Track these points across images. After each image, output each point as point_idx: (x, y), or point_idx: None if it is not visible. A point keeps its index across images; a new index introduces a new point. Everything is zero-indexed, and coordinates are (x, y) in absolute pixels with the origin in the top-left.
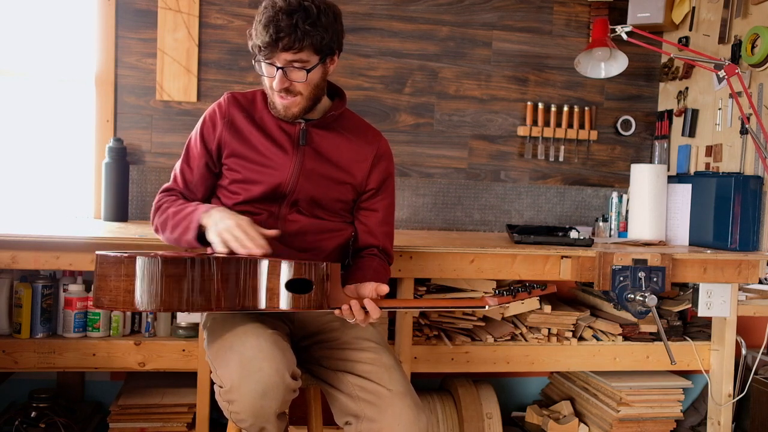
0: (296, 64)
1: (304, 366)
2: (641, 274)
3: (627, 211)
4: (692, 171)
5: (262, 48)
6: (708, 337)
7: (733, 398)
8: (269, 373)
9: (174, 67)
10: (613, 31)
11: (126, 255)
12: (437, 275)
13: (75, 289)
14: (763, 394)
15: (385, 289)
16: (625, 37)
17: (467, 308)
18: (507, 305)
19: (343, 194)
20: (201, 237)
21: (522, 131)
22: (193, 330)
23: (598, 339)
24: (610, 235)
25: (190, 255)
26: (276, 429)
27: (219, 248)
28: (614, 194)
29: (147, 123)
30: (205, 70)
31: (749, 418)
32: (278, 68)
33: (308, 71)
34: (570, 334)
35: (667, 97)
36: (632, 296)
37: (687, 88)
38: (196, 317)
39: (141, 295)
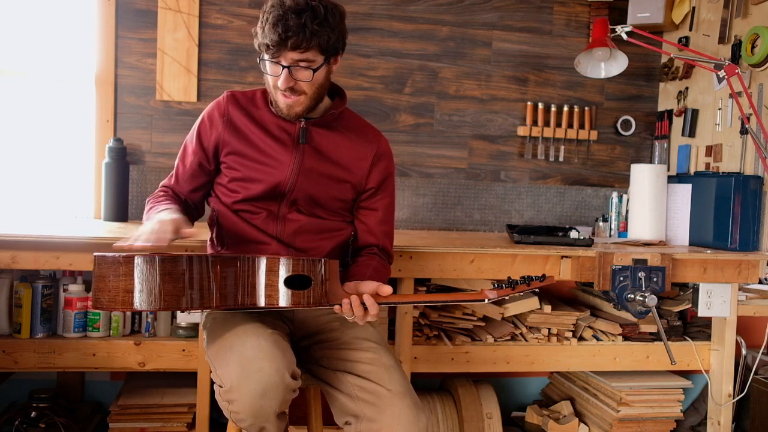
0: (302, 64)
1: (304, 366)
2: (641, 274)
3: (627, 211)
4: (692, 171)
5: (270, 47)
6: (708, 337)
7: (733, 398)
8: (269, 372)
9: (174, 67)
10: (613, 31)
11: (124, 255)
12: (437, 275)
13: (75, 289)
14: (763, 394)
15: (387, 290)
16: (625, 37)
17: (467, 302)
18: (506, 297)
19: (342, 193)
20: None
21: (522, 131)
22: (193, 330)
23: (598, 339)
24: (610, 235)
25: (188, 254)
26: (276, 429)
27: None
28: (614, 194)
29: (147, 123)
30: (205, 70)
31: (749, 418)
32: (284, 67)
33: (314, 71)
34: (570, 334)
35: (667, 97)
36: (632, 296)
37: (687, 88)
38: (195, 317)
39: (140, 294)
